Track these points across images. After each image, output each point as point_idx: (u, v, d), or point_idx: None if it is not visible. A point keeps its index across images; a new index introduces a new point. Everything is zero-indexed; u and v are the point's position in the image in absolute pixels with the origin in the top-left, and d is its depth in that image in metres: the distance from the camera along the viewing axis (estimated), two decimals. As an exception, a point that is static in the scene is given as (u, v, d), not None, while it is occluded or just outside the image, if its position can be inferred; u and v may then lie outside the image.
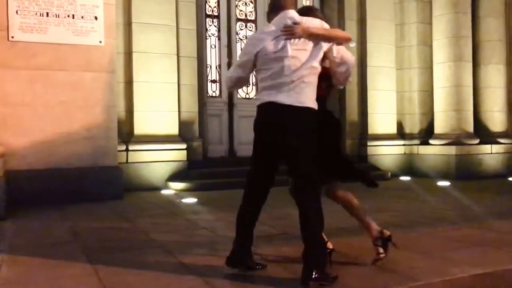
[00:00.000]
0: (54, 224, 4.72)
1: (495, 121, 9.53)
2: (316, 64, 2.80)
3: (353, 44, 10.16)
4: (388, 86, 9.44)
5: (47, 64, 6.20)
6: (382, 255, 3.09)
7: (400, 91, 9.68)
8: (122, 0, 7.40)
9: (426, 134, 9.55)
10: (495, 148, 9.26)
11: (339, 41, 2.88)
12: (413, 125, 9.72)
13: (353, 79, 9.33)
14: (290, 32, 2.74)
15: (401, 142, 9.57)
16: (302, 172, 2.77)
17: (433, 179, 8.44)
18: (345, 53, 2.93)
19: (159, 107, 7.52)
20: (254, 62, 2.86)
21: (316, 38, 2.78)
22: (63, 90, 6.28)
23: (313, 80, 2.80)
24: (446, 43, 9.15)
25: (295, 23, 2.77)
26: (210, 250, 3.51)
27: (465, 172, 8.73)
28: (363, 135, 9.33)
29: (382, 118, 9.39)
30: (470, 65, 9.25)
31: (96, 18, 6.47)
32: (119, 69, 7.28)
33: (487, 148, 9.16)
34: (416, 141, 9.58)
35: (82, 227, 4.51)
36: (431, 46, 9.54)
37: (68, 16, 6.34)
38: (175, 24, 7.70)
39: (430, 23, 9.54)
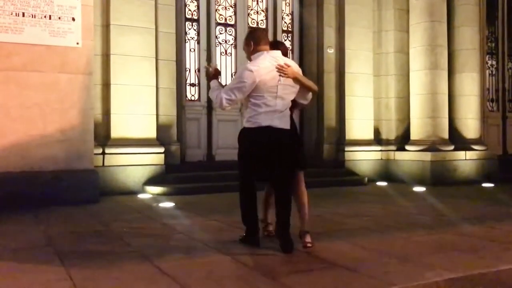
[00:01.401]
0: (28, 228, 4.62)
1: (469, 128, 9.72)
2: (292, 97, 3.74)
3: (331, 51, 10.34)
4: (366, 92, 9.55)
5: (21, 64, 6.09)
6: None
7: (377, 98, 9.81)
8: (101, 2, 7.31)
9: (403, 140, 9.69)
10: (469, 154, 9.44)
11: (311, 90, 3.80)
12: (390, 131, 9.85)
13: (331, 85, 9.44)
14: (283, 71, 3.54)
15: (378, 147, 9.68)
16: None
17: (409, 185, 8.56)
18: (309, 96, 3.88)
19: (137, 110, 7.45)
20: (249, 90, 3.54)
21: (297, 81, 3.65)
22: (38, 91, 6.17)
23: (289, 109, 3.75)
24: (423, 51, 9.31)
25: (287, 65, 3.59)
26: (187, 255, 3.49)
27: (440, 178, 8.88)
28: (341, 141, 9.42)
29: (359, 124, 9.50)
30: (445, 73, 9.44)
31: (73, 19, 6.39)
32: (97, 71, 7.18)
33: (461, 154, 9.34)
34: (393, 147, 9.70)
35: (56, 231, 4.43)
36: (408, 54, 9.70)
37: (45, 16, 6.24)
38: (154, 27, 7.65)
39: (407, 31, 9.70)
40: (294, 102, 3.80)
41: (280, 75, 3.54)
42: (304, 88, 3.74)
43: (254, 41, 3.70)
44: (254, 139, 3.60)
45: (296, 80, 3.64)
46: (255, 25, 9.32)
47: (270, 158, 3.59)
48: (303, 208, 3.80)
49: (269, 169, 3.62)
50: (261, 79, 3.51)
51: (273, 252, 3.54)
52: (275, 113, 3.56)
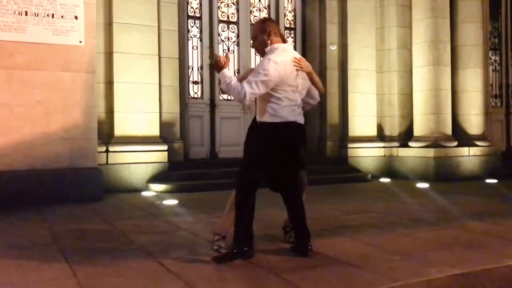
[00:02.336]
0: (32, 226, 4.64)
1: (473, 124, 9.70)
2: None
3: (334, 47, 10.32)
4: (369, 89, 9.54)
5: (25, 63, 6.11)
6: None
7: (380, 94, 9.79)
8: (103, 0, 7.32)
9: (406, 136, 9.68)
10: (473, 150, 9.42)
11: (317, 88, 3.62)
12: (393, 128, 9.83)
13: (334, 82, 9.43)
14: (300, 64, 3.37)
15: (381, 144, 9.67)
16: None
17: (412, 181, 8.55)
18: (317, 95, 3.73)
19: (140, 108, 7.46)
20: (274, 84, 3.30)
21: (310, 76, 3.50)
22: (41, 90, 6.19)
23: None
24: (425, 47, 9.28)
25: (302, 58, 3.43)
26: (190, 252, 3.50)
27: (443, 174, 8.87)
28: (344, 137, 9.41)
29: (362, 120, 9.48)
30: (448, 69, 9.41)
31: (76, 17, 6.40)
32: (100, 69, 7.20)
33: (464, 150, 9.32)
34: (396, 143, 9.69)
35: (60, 229, 4.45)
36: (410, 50, 9.67)
37: (48, 15, 6.25)
38: (156, 25, 7.65)
39: (410, 27, 9.68)
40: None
41: (296, 69, 3.36)
42: (312, 85, 3.59)
43: (273, 31, 3.44)
44: (284, 134, 3.35)
45: (309, 75, 3.49)
46: (257, 22, 9.30)
47: (287, 155, 3.40)
48: None
49: (281, 167, 3.41)
50: (286, 72, 3.31)
51: (277, 249, 3.55)
52: (296, 107, 3.41)
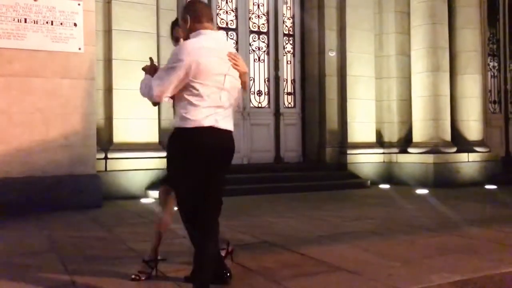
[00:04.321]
0: (31, 233, 4.62)
1: (472, 130, 9.71)
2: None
3: (333, 54, 10.33)
4: (368, 95, 9.55)
5: (24, 70, 6.11)
6: (137, 277, 2.97)
7: (379, 100, 9.80)
8: (102, 7, 7.34)
9: (405, 142, 9.68)
10: (472, 156, 9.42)
11: (244, 85, 2.93)
12: (392, 134, 9.84)
13: (333, 88, 9.45)
14: (236, 62, 2.74)
15: (380, 150, 9.67)
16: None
17: (412, 187, 8.54)
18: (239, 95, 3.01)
19: (139, 114, 7.46)
20: (187, 73, 2.63)
21: (243, 76, 2.84)
22: (40, 97, 6.19)
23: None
24: (424, 53, 9.31)
25: (236, 56, 2.79)
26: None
27: (442, 180, 8.86)
28: (343, 144, 9.41)
29: (361, 126, 9.49)
30: (447, 75, 9.44)
31: (75, 24, 6.41)
32: (99, 76, 7.20)
33: (464, 156, 9.32)
34: (395, 150, 9.69)
35: (59, 236, 4.43)
36: (409, 56, 9.70)
37: (47, 22, 6.26)
38: (155, 32, 7.67)
39: (409, 34, 9.71)
40: None
41: (232, 65, 2.73)
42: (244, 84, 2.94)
43: (192, 15, 2.77)
44: (192, 142, 2.61)
45: (243, 75, 2.84)
46: (256, 29, 9.34)
47: (208, 170, 2.65)
48: None
49: (204, 185, 2.65)
50: (205, 61, 2.62)
51: (276, 256, 3.53)
52: (221, 110, 2.68)
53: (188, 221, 2.70)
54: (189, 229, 2.71)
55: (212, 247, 2.64)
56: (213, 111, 2.65)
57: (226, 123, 2.70)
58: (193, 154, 2.61)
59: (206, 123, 2.62)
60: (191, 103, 2.64)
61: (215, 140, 2.63)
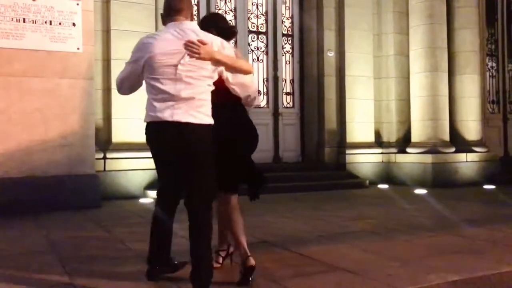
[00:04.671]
0: (29, 233, 4.62)
1: (470, 130, 9.72)
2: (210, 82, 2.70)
3: (331, 54, 10.33)
4: (366, 95, 9.56)
5: (22, 70, 6.10)
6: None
7: (378, 100, 9.81)
8: (101, 7, 7.33)
9: (403, 142, 9.68)
10: (471, 156, 9.43)
11: (241, 73, 2.82)
12: (391, 134, 9.85)
13: (332, 88, 9.45)
14: (194, 51, 2.58)
15: (379, 150, 9.68)
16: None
17: (410, 187, 8.55)
18: (245, 80, 2.88)
19: (138, 114, 7.41)
20: (143, 68, 2.70)
21: (218, 63, 2.68)
22: (39, 97, 6.18)
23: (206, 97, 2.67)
24: (423, 53, 9.32)
25: (201, 42, 2.60)
26: (188, 259, 3.47)
27: (441, 180, 8.87)
28: (342, 143, 9.41)
29: (360, 126, 9.50)
30: (446, 75, 9.44)
31: (74, 24, 6.40)
32: (98, 76, 7.20)
33: (462, 156, 9.33)
34: (394, 150, 9.70)
35: (58, 237, 4.42)
36: (408, 56, 9.71)
37: (46, 22, 6.25)
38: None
39: (407, 34, 9.72)
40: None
41: (188, 55, 2.59)
42: (234, 72, 2.79)
43: (164, 10, 2.79)
44: (149, 136, 2.76)
45: (216, 61, 2.66)
46: (255, 29, 9.35)
47: (174, 164, 2.70)
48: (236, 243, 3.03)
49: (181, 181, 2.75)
50: (154, 54, 2.61)
51: (275, 256, 3.54)
52: (174, 103, 2.59)
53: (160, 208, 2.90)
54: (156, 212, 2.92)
55: (203, 249, 2.65)
56: (169, 104, 2.60)
57: (187, 115, 2.58)
58: (152, 148, 2.79)
59: (161, 117, 2.61)
60: (149, 98, 2.73)
61: (168, 134, 2.61)
